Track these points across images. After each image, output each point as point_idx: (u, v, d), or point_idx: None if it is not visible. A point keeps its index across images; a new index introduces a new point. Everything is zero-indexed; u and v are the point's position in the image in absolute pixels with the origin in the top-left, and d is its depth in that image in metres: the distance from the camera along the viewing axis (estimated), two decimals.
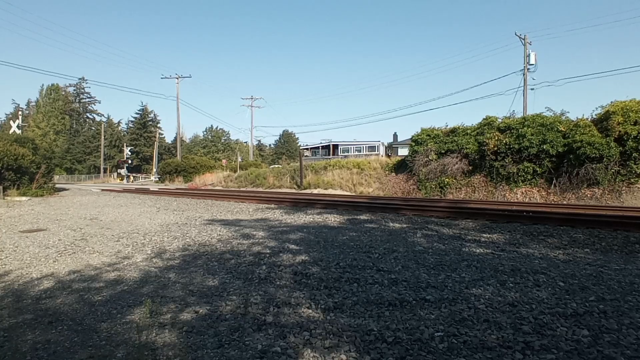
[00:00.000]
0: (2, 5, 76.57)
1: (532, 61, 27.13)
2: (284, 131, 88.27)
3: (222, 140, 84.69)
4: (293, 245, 5.21)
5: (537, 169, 14.87)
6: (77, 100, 76.52)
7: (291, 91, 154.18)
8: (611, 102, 14.50)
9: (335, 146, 46.74)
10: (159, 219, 8.41)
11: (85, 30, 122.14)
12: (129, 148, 54.86)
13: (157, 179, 45.78)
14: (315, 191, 20.92)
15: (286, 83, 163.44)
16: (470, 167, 16.88)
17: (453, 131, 18.18)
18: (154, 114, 74.46)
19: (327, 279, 3.62)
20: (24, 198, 14.62)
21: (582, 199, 13.36)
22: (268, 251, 4.88)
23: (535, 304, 2.88)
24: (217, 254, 4.76)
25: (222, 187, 28.80)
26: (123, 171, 47.67)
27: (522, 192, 15.05)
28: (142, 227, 7.20)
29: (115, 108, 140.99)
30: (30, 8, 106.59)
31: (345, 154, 42.11)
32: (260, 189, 24.59)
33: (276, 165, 42.63)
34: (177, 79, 44.54)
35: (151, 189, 22.84)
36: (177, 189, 24.52)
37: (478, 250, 4.78)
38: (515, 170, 15.26)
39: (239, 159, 46.40)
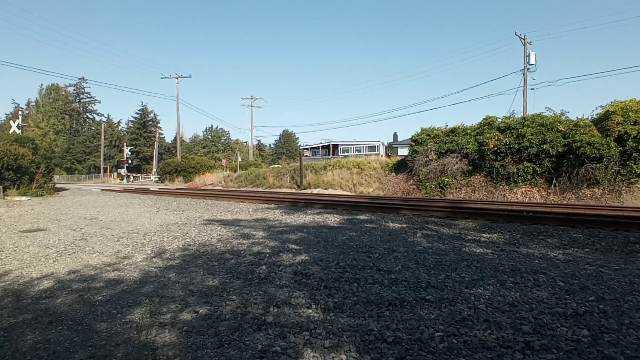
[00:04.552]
0: (2, 5, 76.61)
1: (532, 61, 27.11)
2: (284, 131, 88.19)
3: (222, 140, 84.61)
4: (293, 245, 5.21)
5: (537, 169, 14.87)
6: (77, 100, 76.43)
7: (291, 91, 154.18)
8: (611, 102, 14.50)
9: (335, 146, 46.72)
10: (159, 219, 8.41)
11: (85, 30, 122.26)
12: (129, 148, 54.83)
13: (157, 179, 45.77)
14: (315, 191, 20.92)
15: (286, 83, 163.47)
16: (470, 167, 16.88)
17: (453, 131, 18.18)
18: (154, 114, 74.49)
19: (327, 278, 3.62)
20: (24, 198, 14.61)
21: (582, 199, 13.36)
22: (268, 251, 4.88)
23: (535, 303, 2.88)
24: (217, 254, 4.76)
25: (222, 187, 28.80)
26: (123, 171, 47.67)
27: (522, 192, 15.05)
28: (142, 227, 7.19)
29: (115, 108, 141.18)
30: (30, 8, 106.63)
31: (345, 154, 42.07)
32: (260, 189, 24.59)
33: (276, 165, 42.58)
34: (177, 79, 44.55)
35: (151, 189, 22.84)
36: (177, 188, 24.52)
37: (478, 250, 4.78)
38: (515, 170, 15.25)
39: (239, 159, 46.33)
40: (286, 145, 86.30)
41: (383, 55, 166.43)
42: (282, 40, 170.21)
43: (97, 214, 9.67)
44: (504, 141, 15.59)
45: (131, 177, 51.42)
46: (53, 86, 71.03)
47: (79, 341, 2.42)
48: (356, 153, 41.01)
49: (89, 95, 77.26)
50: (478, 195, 15.96)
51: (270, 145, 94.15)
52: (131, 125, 73.17)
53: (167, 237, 6.04)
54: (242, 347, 2.27)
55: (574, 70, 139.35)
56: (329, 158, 34.48)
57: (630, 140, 13.00)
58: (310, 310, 2.84)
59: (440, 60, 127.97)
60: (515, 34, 28.08)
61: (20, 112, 40.47)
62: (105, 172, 60.28)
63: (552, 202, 13.59)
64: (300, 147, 63.77)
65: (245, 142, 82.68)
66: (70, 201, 13.98)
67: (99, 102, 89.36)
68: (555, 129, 14.81)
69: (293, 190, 22.18)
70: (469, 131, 17.46)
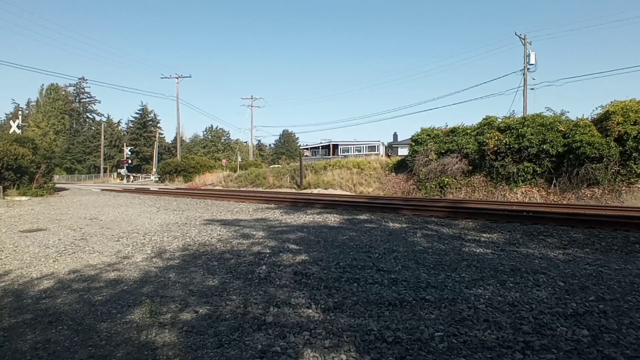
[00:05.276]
0: (2, 5, 76.63)
1: (532, 61, 27.11)
2: (284, 131, 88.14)
3: (222, 140, 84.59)
4: (293, 245, 5.21)
5: (537, 169, 14.87)
6: (77, 100, 76.43)
7: (291, 91, 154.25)
8: (611, 102, 14.50)
9: (335, 146, 46.69)
10: (159, 219, 8.41)
11: (85, 30, 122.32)
12: (129, 148, 54.82)
13: (157, 179, 45.76)
14: (315, 191, 20.92)
15: (286, 83, 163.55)
16: (470, 167, 16.88)
17: (453, 131, 18.18)
18: (154, 114, 74.52)
19: (327, 278, 3.62)
20: (24, 198, 14.61)
21: (582, 198, 13.36)
22: (268, 251, 4.88)
23: (535, 303, 2.88)
24: (217, 254, 4.76)
25: (222, 187, 28.80)
26: (123, 171, 47.67)
27: (522, 192, 15.05)
28: (142, 227, 7.19)
29: (115, 108, 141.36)
30: (30, 8, 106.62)
31: (345, 153, 42.02)
32: (260, 189, 24.59)
33: (276, 165, 42.57)
34: (177, 79, 44.55)
35: (151, 189, 22.84)
36: (177, 188, 24.51)
37: (478, 250, 4.78)
38: (515, 170, 15.26)
39: (239, 159, 46.29)
40: (286, 145, 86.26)
41: (383, 55, 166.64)
42: (282, 40, 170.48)
43: (97, 213, 9.67)
44: (504, 141, 15.59)
45: (131, 177, 51.41)
46: (53, 86, 71.03)
47: (79, 341, 2.42)
48: (356, 153, 40.97)
49: (89, 95, 77.31)
50: (478, 195, 15.96)
51: (270, 145, 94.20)
52: (131, 125, 73.17)
53: (167, 237, 6.04)
54: (242, 347, 2.27)
55: (574, 70, 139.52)
56: (329, 158, 34.46)
57: (630, 140, 13.00)
58: (310, 310, 2.84)
59: (440, 60, 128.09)
60: (515, 34, 28.11)
61: (20, 112, 40.43)
62: (105, 172, 60.27)
63: (552, 202, 13.58)
64: (300, 147, 63.76)
65: (245, 142, 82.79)
66: (70, 201, 13.97)
67: (99, 102, 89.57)
68: (555, 129, 14.81)
69: (293, 190, 22.18)
70: (469, 131, 17.47)
